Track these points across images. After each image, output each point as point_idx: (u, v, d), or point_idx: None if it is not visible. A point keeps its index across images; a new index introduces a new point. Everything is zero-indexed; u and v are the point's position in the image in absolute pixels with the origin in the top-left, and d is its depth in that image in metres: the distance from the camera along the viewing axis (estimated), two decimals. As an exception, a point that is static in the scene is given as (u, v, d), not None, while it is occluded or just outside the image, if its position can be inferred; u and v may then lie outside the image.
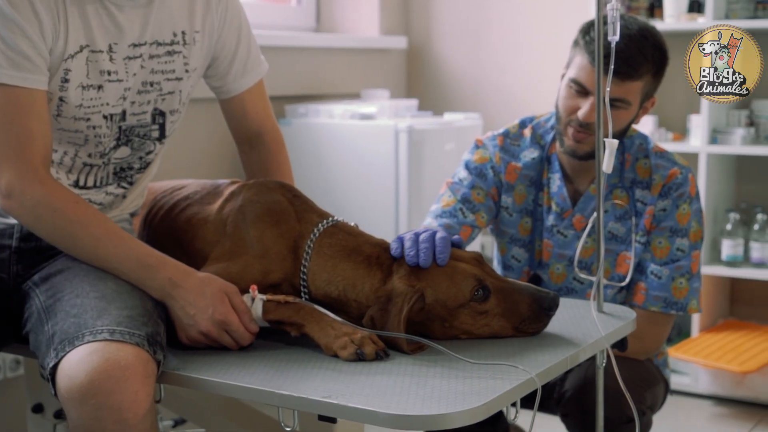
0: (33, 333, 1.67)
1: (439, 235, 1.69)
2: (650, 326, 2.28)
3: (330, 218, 1.78)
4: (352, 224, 1.79)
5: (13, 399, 2.84)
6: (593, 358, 1.76)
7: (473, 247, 2.44)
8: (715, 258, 3.66)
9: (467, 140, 3.52)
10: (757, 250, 3.55)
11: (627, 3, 3.69)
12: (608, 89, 1.76)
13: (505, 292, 1.68)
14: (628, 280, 2.27)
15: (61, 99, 1.75)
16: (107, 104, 1.79)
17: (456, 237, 1.74)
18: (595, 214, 1.87)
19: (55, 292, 1.67)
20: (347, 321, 1.65)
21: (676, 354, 3.46)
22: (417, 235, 1.70)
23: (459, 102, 4.18)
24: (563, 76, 2.30)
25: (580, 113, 2.23)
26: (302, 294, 1.72)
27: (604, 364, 1.76)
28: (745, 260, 3.61)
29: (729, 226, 3.58)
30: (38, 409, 2.16)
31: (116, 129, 1.83)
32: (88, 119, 1.78)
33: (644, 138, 2.37)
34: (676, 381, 3.53)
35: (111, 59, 1.77)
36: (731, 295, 3.90)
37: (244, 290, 1.67)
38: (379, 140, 3.36)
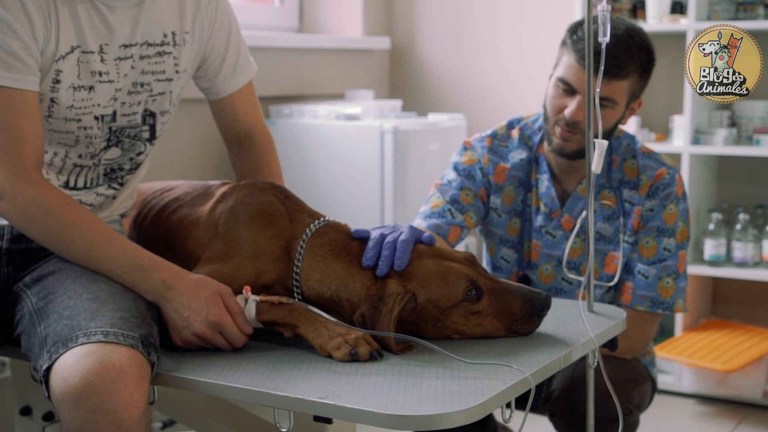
0: (25, 335, 1.66)
1: (402, 237, 1.70)
2: (637, 325, 2.29)
3: (322, 218, 1.78)
4: (344, 224, 1.80)
5: (-1, 401, 2.81)
6: (581, 358, 1.76)
7: (457, 247, 2.45)
8: (698, 258, 3.69)
9: (452, 141, 3.53)
10: (739, 250, 3.58)
11: (611, 4, 3.71)
12: (598, 90, 1.77)
13: (497, 293, 1.69)
14: (616, 279, 2.28)
15: (52, 100, 1.74)
16: (98, 105, 1.79)
17: (427, 235, 1.74)
18: (583, 214, 1.87)
19: (47, 294, 1.66)
20: (341, 321, 1.65)
21: (659, 353, 3.48)
22: (383, 237, 1.71)
23: (442, 102, 4.19)
24: (551, 76, 2.31)
25: (567, 112, 2.24)
26: (295, 294, 1.72)
27: (595, 364, 1.77)
28: (728, 260, 3.64)
29: (711, 226, 3.61)
30: (26, 411, 2.14)
31: (107, 130, 1.83)
32: (79, 120, 1.78)
33: (631, 138, 2.38)
34: (659, 380, 3.56)
35: (102, 60, 1.76)
36: (714, 295, 3.93)
37: (237, 291, 1.67)
38: (365, 141, 3.36)
